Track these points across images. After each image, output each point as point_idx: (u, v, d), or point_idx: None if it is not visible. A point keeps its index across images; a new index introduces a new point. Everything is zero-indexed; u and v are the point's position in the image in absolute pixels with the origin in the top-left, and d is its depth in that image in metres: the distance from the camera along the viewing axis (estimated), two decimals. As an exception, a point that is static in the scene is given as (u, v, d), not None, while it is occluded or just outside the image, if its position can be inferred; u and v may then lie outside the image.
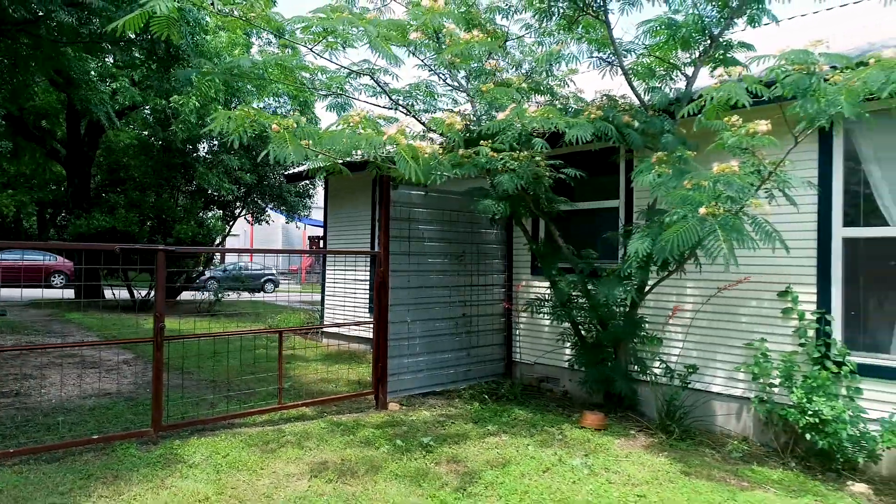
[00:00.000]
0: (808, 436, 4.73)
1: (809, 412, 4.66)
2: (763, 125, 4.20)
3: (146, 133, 16.15)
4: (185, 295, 18.13)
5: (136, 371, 7.54)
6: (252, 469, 4.23)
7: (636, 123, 4.96)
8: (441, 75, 5.77)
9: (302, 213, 20.87)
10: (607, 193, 6.81)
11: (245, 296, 18.32)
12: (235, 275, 20.52)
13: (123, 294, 14.85)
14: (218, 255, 25.06)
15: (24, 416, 5.37)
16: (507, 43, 6.65)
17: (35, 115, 15.04)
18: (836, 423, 4.51)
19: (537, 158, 5.56)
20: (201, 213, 15.97)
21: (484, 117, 5.63)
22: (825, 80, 3.84)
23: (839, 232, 5.14)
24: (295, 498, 3.77)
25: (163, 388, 4.83)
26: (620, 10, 5.23)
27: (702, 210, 3.78)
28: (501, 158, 4.95)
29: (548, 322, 7.02)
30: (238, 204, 18.69)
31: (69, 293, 18.53)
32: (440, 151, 4.55)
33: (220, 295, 14.75)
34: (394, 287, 6.29)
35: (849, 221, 5.13)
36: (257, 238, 44.55)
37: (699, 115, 4.54)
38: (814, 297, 5.22)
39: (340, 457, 4.57)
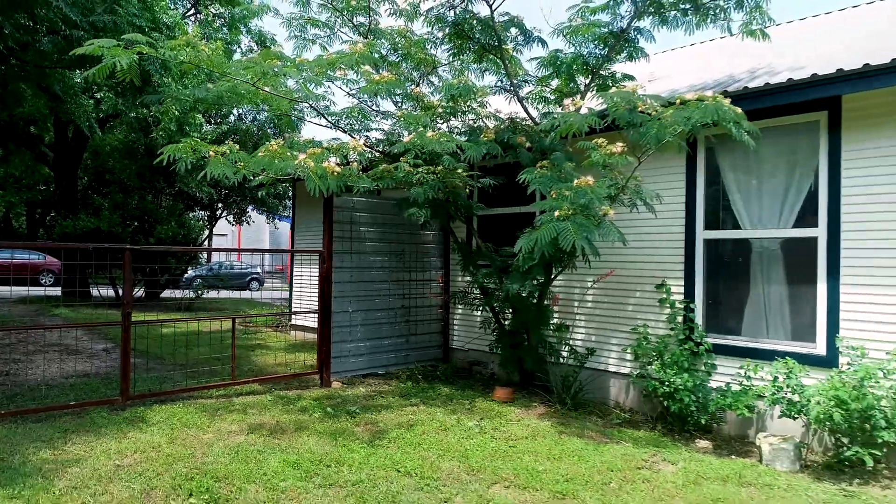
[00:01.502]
0: (665, 403, 5.73)
1: (666, 383, 5.65)
2: (618, 147, 5.19)
3: (133, 136, 16.99)
4: (179, 292, 18.96)
5: (114, 357, 8.45)
6: (200, 427, 5.17)
7: (528, 143, 5.93)
8: (366, 103, 6.73)
9: (282, 214, 21.80)
10: (531, 199, 7.78)
11: (225, 293, 19.18)
12: (216, 273, 21.38)
13: (109, 291, 15.72)
14: (204, 255, 25.86)
15: (13, 391, 6.29)
16: (439, 68, 7.62)
17: (24, 121, 15.85)
18: (683, 392, 5.50)
19: (459, 170, 6.53)
20: (183, 215, 16.82)
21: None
22: (646, 113, 4.82)
23: (701, 234, 6.14)
24: (231, 446, 4.71)
25: (130, 363, 5.76)
26: (514, 49, 6.21)
27: (556, 213, 4.75)
28: (417, 173, 5.90)
29: (479, 312, 7.98)
30: (220, 205, 19.58)
31: (56, 291, 19.33)
32: (359, 168, 5.50)
33: (200, 292, 15.63)
34: (337, 281, 7.24)
35: (709, 225, 6.13)
36: (245, 238, 45.30)
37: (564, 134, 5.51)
38: (682, 289, 6.22)
39: (276, 420, 5.52)
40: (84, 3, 7.39)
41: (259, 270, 30.03)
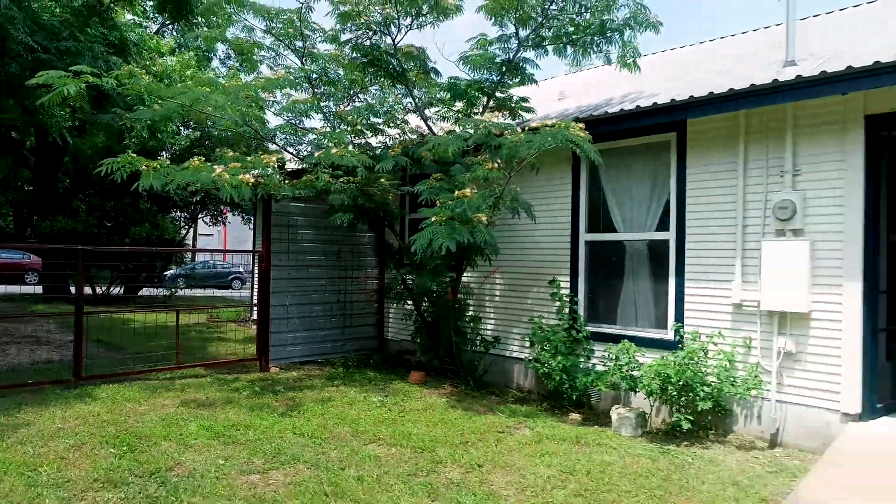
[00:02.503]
0: (544, 381, 6.65)
1: (544, 364, 6.57)
2: (496, 164, 6.10)
3: (111, 142, 17.78)
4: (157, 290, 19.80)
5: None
6: (138, 401, 6.06)
7: (432, 157, 6.83)
8: (291, 121, 7.62)
9: (258, 215, 22.68)
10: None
11: (200, 291, 20.02)
12: (189, 273, 22.25)
13: (88, 289, 16.55)
14: (188, 254, 26.70)
15: (-18, 374, 7.15)
16: (371, 87, 8.52)
17: (5, 127, 16.64)
18: (556, 372, 6.42)
19: (382, 179, 7.42)
20: (157, 216, 17.64)
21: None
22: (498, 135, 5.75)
23: (584, 237, 7.07)
24: (161, 415, 5.60)
25: (83, 348, 6.64)
26: (416, 76, 7.11)
27: (433, 218, 5.66)
28: (335, 182, 6.80)
29: (410, 306, 8.86)
30: (198, 207, 20.42)
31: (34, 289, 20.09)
32: (282, 178, 6.40)
33: (173, 290, 16.47)
34: (275, 278, 8.12)
35: (591, 228, 7.06)
36: (231, 238, 46.08)
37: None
38: (568, 284, 7.14)
39: (207, 396, 6.41)
40: (51, 29, 8.25)
41: (242, 270, 30.86)
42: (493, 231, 6.64)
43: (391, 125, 7.75)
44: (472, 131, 6.00)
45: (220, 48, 22.25)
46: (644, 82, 7.56)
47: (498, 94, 7.12)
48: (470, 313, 8.02)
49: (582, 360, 6.76)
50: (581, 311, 7.01)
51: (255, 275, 12.74)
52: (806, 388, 5.33)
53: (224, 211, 21.49)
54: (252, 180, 5.77)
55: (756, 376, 5.51)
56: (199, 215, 20.69)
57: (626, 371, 5.89)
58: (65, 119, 11.77)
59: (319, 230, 8.67)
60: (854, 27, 7.22)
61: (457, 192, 5.89)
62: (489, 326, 8.00)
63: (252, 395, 6.54)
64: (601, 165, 6.90)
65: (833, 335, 5.19)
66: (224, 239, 45.44)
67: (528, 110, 7.30)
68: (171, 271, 22.28)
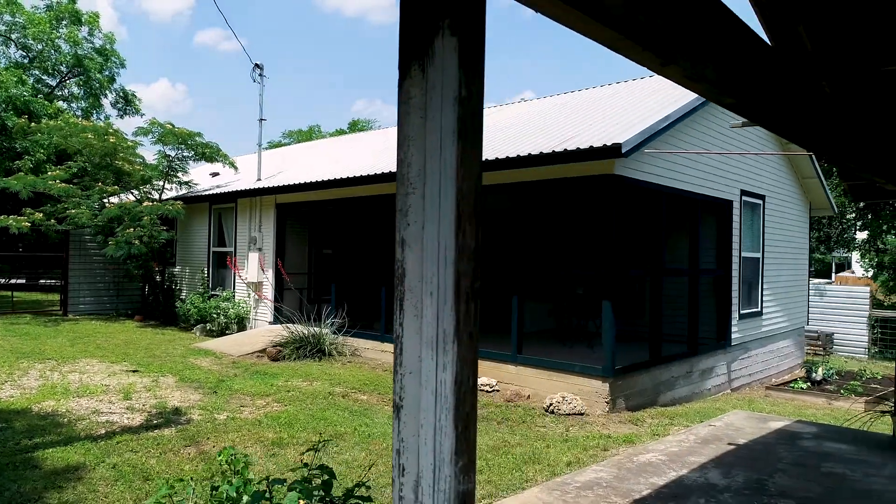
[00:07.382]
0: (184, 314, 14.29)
1: (186, 305, 14.17)
2: (148, 217, 13.69)
3: None
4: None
5: (-29, 308, 16.56)
6: (-17, 323, 13.46)
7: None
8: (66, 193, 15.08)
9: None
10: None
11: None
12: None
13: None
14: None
15: (-89, 315, 14.43)
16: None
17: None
18: (184, 308, 14.03)
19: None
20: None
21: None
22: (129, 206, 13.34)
23: (212, 248, 14.73)
24: (-11, 326, 13.00)
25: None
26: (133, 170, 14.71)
27: (111, 242, 13.20)
28: (91, 222, 14.30)
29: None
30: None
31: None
32: (55, 222, 13.86)
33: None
34: (72, 269, 15.53)
35: (217, 245, 14.70)
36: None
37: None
38: (207, 272, 14.77)
39: (18, 321, 13.81)
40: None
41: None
42: (184, 246, 14.33)
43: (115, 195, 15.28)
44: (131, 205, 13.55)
45: (110, 97, 29.32)
46: (245, 173, 15.42)
47: (172, 180, 14.72)
48: (178, 287, 15.61)
49: (208, 303, 14.38)
50: (210, 283, 14.67)
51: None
52: (262, 313, 13.07)
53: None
54: (29, 224, 13.20)
55: (249, 310, 13.23)
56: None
57: (199, 310, 13.53)
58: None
59: (101, 244, 16.09)
60: (287, 159, 15.10)
61: (127, 230, 13.45)
62: (185, 293, 15.61)
63: (41, 323, 13.97)
64: (223, 213, 14.60)
65: (267, 292, 12.94)
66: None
67: (191, 185, 14.97)
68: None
